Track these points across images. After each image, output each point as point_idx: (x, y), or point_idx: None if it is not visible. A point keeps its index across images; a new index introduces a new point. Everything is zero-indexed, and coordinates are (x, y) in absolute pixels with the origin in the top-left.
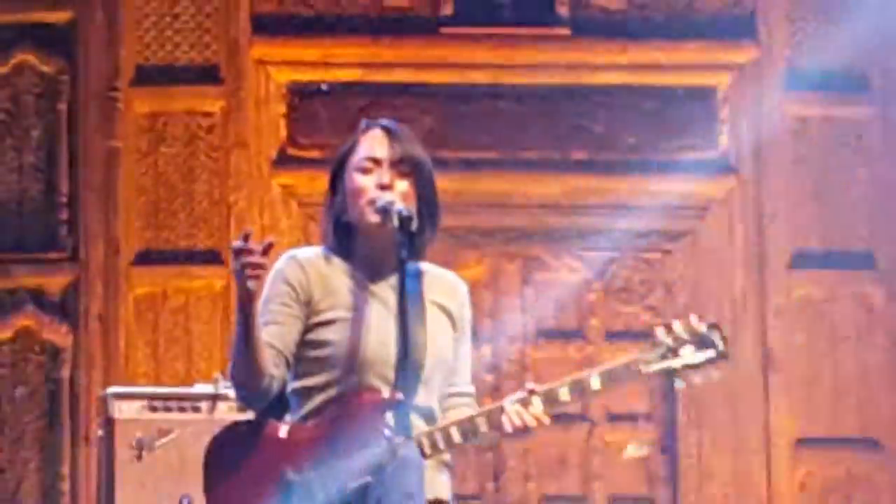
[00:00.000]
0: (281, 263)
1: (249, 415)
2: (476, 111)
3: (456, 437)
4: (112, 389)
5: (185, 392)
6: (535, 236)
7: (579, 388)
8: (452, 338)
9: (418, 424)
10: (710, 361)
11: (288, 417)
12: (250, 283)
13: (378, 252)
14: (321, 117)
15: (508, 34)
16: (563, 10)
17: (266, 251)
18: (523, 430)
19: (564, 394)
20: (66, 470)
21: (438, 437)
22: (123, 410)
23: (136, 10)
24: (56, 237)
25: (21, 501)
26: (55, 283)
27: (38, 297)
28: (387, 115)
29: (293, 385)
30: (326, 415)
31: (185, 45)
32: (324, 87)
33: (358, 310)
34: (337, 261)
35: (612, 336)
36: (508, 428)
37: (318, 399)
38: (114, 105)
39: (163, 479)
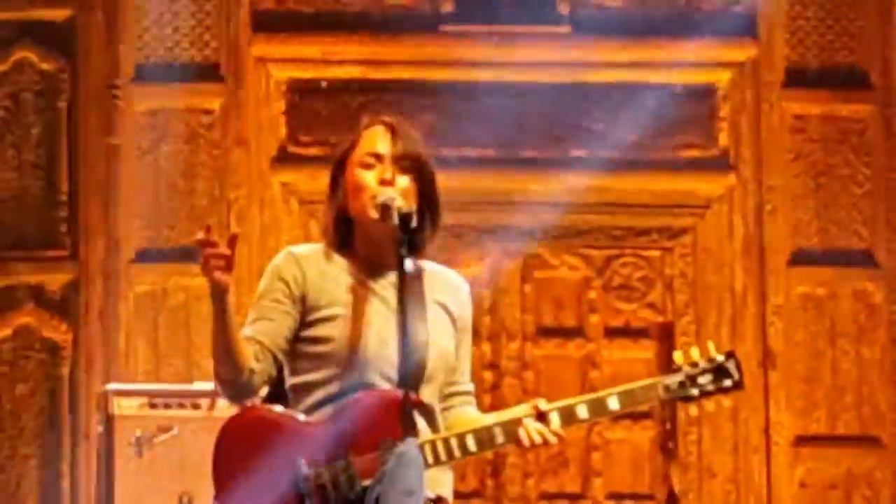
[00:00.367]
0: (277, 259)
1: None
2: (476, 109)
3: (472, 445)
4: (112, 386)
5: (185, 389)
6: (536, 234)
7: (597, 408)
8: (453, 336)
9: (420, 424)
10: (725, 391)
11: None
12: (216, 275)
13: (378, 249)
14: (321, 115)
15: (509, 32)
16: (563, 8)
17: (230, 243)
18: (542, 446)
19: (583, 412)
20: (65, 467)
21: (454, 444)
22: (123, 407)
23: (136, 7)
24: (56, 235)
25: (21, 498)
26: (55, 280)
27: (38, 295)
28: (386, 112)
29: (292, 381)
30: (342, 411)
31: (185, 42)
32: (324, 84)
33: (358, 307)
34: (337, 257)
35: (611, 333)
36: (527, 444)
37: (317, 395)
38: (114, 103)
39: (162, 476)
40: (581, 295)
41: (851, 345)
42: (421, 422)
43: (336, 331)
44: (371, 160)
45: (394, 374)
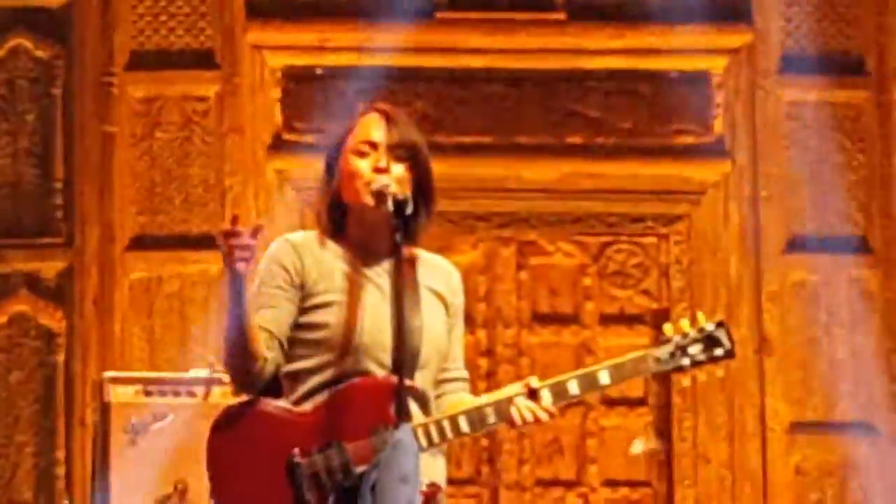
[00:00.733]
0: (274, 247)
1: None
2: (472, 96)
3: (464, 426)
4: (107, 374)
5: (180, 377)
6: (531, 221)
7: (588, 383)
8: (446, 323)
9: (413, 409)
10: (717, 360)
11: (282, 400)
12: (239, 266)
13: (373, 236)
14: (316, 102)
15: (504, 19)
16: None
17: (255, 234)
18: (534, 424)
19: (573, 387)
20: (61, 454)
21: (446, 425)
22: (118, 395)
23: None
24: (51, 222)
25: (17, 485)
26: (50, 267)
27: (33, 282)
28: (382, 99)
29: (287, 368)
30: (334, 398)
31: (180, 29)
32: (319, 71)
33: (352, 293)
34: (331, 244)
35: (607, 320)
36: (519, 422)
37: (312, 381)
38: (109, 90)
39: (157, 463)
40: (576, 282)
41: (846, 332)
42: (415, 408)
43: (331, 317)
44: (366, 148)
45: (388, 361)
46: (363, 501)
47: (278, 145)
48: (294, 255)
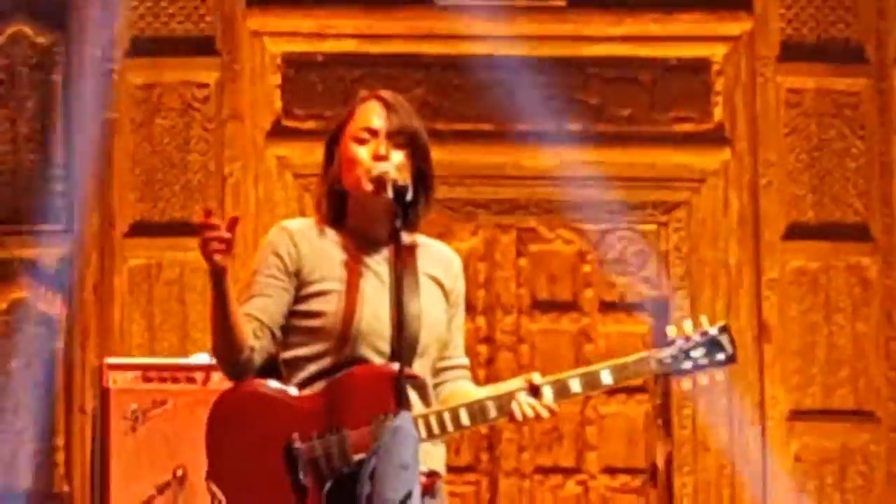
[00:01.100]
0: (271, 234)
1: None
2: (471, 83)
3: (464, 419)
4: (107, 360)
5: (180, 363)
6: (530, 208)
7: (590, 382)
8: (445, 310)
9: (413, 397)
10: (719, 364)
11: (281, 385)
12: (216, 258)
13: (372, 223)
14: (316, 89)
15: (504, 6)
16: None
17: (231, 226)
18: (535, 420)
19: (575, 386)
20: (60, 441)
21: (447, 417)
22: (118, 381)
23: None
24: (51, 208)
25: (16, 472)
26: (50, 254)
27: (32, 269)
28: (381, 86)
29: (284, 355)
30: (334, 386)
31: (181, 16)
32: (319, 58)
33: (351, 281)
34: (330, 231)
35: (606, 307)
36: (520, 418)
37: (310, 369)
38: (109, 76)
39: (157, 449)
40: (576, 269)
41: (846, 319)
42: (414, 396)
43: (329, 305)
44: (365, 135)
45: (387, 349)
46: (362, 488)
47: (278, 132)
48: (290, 243)
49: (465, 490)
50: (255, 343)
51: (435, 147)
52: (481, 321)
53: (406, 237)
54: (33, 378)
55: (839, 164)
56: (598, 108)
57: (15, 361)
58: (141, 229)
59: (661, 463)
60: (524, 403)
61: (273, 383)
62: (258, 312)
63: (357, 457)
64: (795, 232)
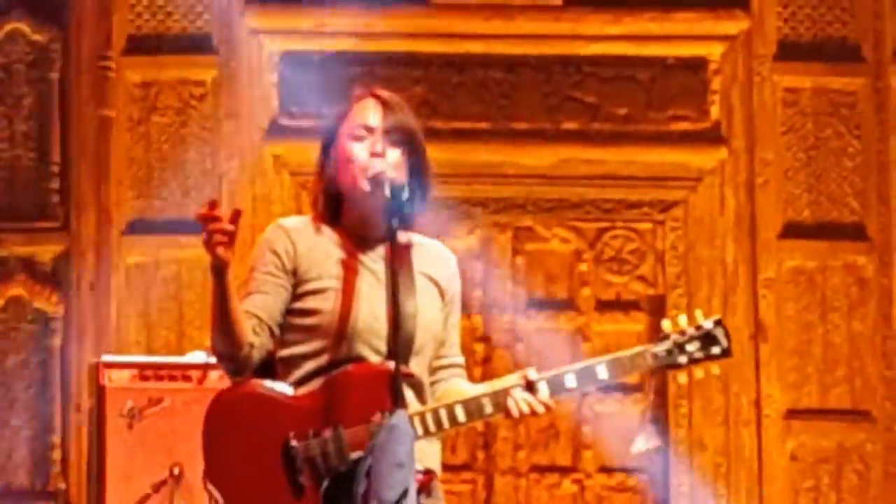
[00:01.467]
0: (268, 232)
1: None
2: (468, 81)
3: (460, 416)
4: (103, 358)
5: (176, 361)
6: (527, 206)
7: (586, 377)
8: (441, 309)
9: (409, 396)
10: (714, 358)
11: (278, 384)
12: (219, 251)
13: (368, 221)
14: (313, 87)
15: (501, 4)
16: None
17: (234, 219)
18: (531, 416)
19: (571, 381)
20: (57, 439)
21: (443, 414)
22: (114, 379)
23: None
24: (47, 206)
25: (12, 470)
26: (47, 252)
27: (29, 266)
28: (379, 84)
29: (281, 353)
30: (330, 384)
31: (178, 14)
32: (316, 56)
33: (347, 279)
34: (326, 229)
35: (602, 306)
36: (516, 413)
37: (307, 367)
38: (106, 74)
39: (154, 447)
40: (572, 268)
41: (842, 318)
42: (410, 394)
43: (326, 303)
44: (362, 132)
45: (383, 347)
46: (358, 487)
47: (275, 130)
48: (287, 240)
49: (461, 489)
50: (255, 339)
51: (432, 145)
52: (478, 320)
53: (402, 235)
54: (30, 376)
55: (836, 164)
56: (595, 107)
57: (11, 359)
58: (138, 227)
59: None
60: (520, 399)
61: (269, 382)
62: (257, 309)
63: (354, 455)
64: (792, 231)
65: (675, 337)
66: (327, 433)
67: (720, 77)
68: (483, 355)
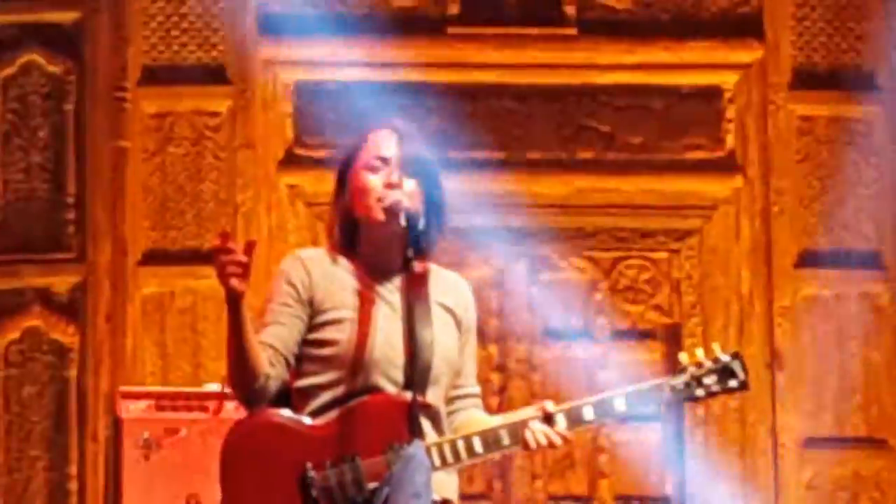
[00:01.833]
0: (284, 263)
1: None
2: (482, 111)
3: (478, 447)
4: (119, 389)
5: (193, 391)
6: (542, 236)
7: (603, 409)
8: (457, 339)
9: (425, 426)
10: (731, 391)
11: (294, 414)
12: (232, 282)
13: (384, 251)
14: (328, 117)
15: (515, 34)
16: (569, 10)
17: (248, 250)
18: (548, 448)
19: (588, 413)
20: (73, 469)
21: (460, 446)
22: (131, 410)
23: (142, 9)
24: (63, 237)
25: (29, 500)
26: (62, 282)
27: (45, 297)
28: (393, 114)
29: (297, 383)
30: (347, 414)
31: (192, 44)
32: (331, 87)
33: (363, 309)
34: (342, 260)
35: (618, 335)
36: (533, 445)
37: (323, 397)
38: (121, 105)
39: (170, 478)
40: (588, 297)
41: (858, 347)
42: (427, 424)
43: (342, 334)
44: (377, 163)
45: (400, 377)
46: None
47: (290, 160)
48: (303, 271)
49: None
50: (271, 371)
51: (446, 175)
52: (493, 349)
53: (418, 265)
54: (46, 406)
55: (851, 192)
56: (609, 136)
57: (27, 390)
58: (153, 258)
59: (673, 491)
60: (537, 431)
61: (286, 412)
62: (273, 340)
63: (371, 486)
64: (807, 259)
65: (692, 369)
66: (344, 463)
67: (735, 105)
68: (499, 385)
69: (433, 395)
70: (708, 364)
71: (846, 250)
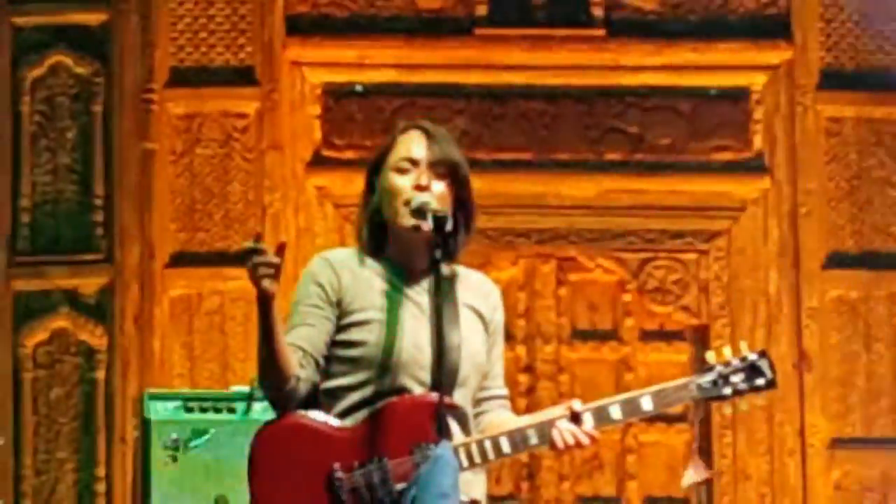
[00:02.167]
0: (312, 264)
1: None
2: (510, 112)
3: (505, 447)
4: (147, 390)
5: (220, 393)
6: (570, 237)
7: (631, 408)
8: (485, 340)
9: (453, 427)
10: (758, 389)
11: (322, 415)
12: (265, 283)
13: (412, 253)
14: (356, 119)
15: (543, 35)
16: (597, 11)
17: (279, 251)
18: (575, 447)
19: (616, 412)
20: (101, 471)
21: (488, 446)
22: (159, 411)
23: (170, 11)
24: (91, 239)
25: (57, 502)
26: (90, 284)
27: (73, 299)
28: (421, 116)
29: (326, 385)
30: (375, 416)
31: (220, 46)
32: (358, 88)
33: (391, 311)
34: (370, 261)
35: (646, 336)
36: (561, 445)
37: (351, 399)
38: (148, 107)
39: (198, 479)
40: (616, 298)
41: (886, 348)
42: (454, 426)
43: (370, 335)
44: (406, 165)
45: (427, 378)
46: None
47: (318, 162)
48: (331, 272)
49: None
50: (301, 372)
51: (475, 176)
52: (521, 350)
53: (446, 267)
54: (74, 408)
55: (879, 193)
56: (637, 137)
57: (55, 391)
58: (181, 260)
59: (700, 492)
60: (565, 431)
61: (314, 413)
62: (302, 342)
63: (399, 486)
64: (835, 261)
65: (719, 368)
66: (372, 464)
67: (763, 107)
68: (527, 386)
69: (460, 397)
70: (735, 362)
71: (874, 251)
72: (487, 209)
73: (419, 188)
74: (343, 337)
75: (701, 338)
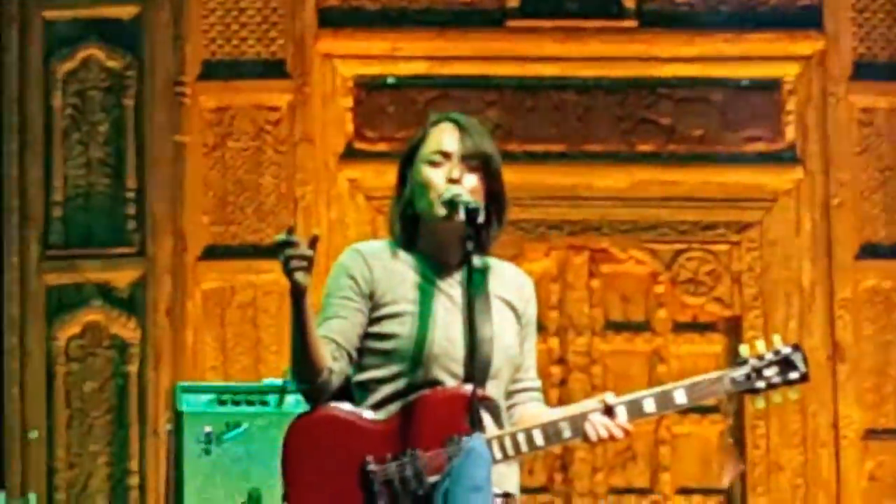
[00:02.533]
0: (344, 257)
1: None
2: (542, 104)
3: (538, 439)
4: (180, 383)
5: (253, 386)
6: (603, 229)
7: (664, 401)
8: (517, 333)
9: (486, 420)
10: (791, 383)
11: (355, 407)
12: (297, 276)
13: (445, 245)
14: (387, 111)
15: (574, 27)
16: (629, 3)
17: (312, 244)
18: (608, 440)
19: (649, 405)
20: (134, 464)
21: (521, 438)
22: (191, 404)
23: (202, 4)
24: (123, 232)
25: (90, 495)
26: (123, 277)
27: (105, 292)
28: (453, 108)
29: (358, 377)
30: (408, 408)
31: (252, 39)
32: (390, 80)
33: (424, 303)
34: (403, 254)
35: (679, 328)
36: (594, 438)
37: (383, 391)
38: (180, 100)
39: (231, 472)
40: (648, 289)
41: None
42: (487, 418)
43: (403, 327)
44: (439, 158)
45: (460, 371)
46: None
47: (350, 154)
48: (363, 265)
49: None
50: (334, 365)
51: (507, 168)
52: (554, 342)
53: (478, 259)
54: (107, 401)
55: None
56: (669, 129)
57: (88, 385)
58: (213, 252)
59: (734, 484)
60: (598, 423)
61: (347, 406)
62: (334, 334)
63: (431, 479)
64: (868, 251)
65: (753, 362)
66: (405, 457)
67: (795, 98)
68: (559, 378)
69: (493, 389)
70: (769, 356)
71: None
72: (519, 201)
73: (451, 181)
74: (375, 329)
75: (734, 329)
